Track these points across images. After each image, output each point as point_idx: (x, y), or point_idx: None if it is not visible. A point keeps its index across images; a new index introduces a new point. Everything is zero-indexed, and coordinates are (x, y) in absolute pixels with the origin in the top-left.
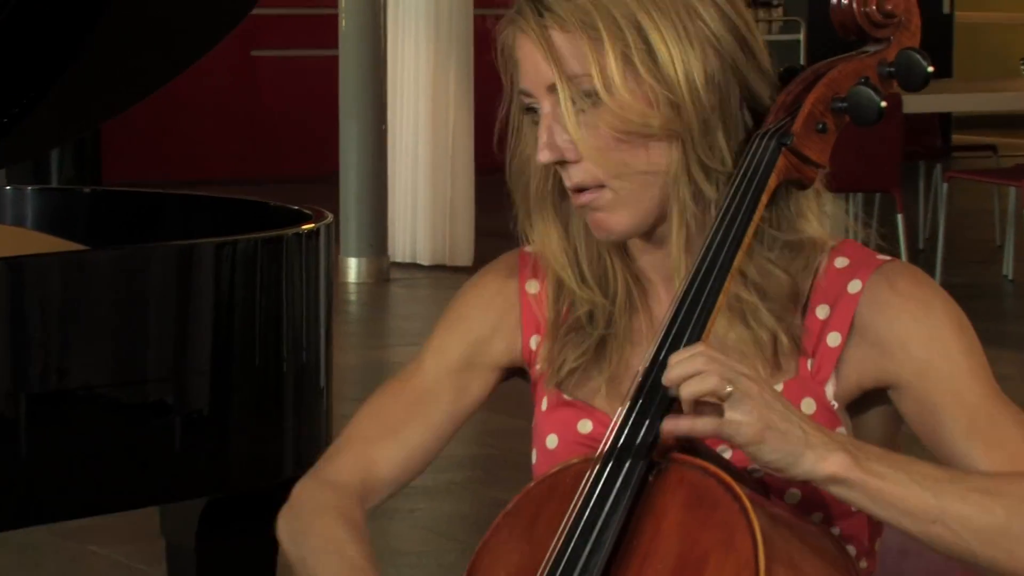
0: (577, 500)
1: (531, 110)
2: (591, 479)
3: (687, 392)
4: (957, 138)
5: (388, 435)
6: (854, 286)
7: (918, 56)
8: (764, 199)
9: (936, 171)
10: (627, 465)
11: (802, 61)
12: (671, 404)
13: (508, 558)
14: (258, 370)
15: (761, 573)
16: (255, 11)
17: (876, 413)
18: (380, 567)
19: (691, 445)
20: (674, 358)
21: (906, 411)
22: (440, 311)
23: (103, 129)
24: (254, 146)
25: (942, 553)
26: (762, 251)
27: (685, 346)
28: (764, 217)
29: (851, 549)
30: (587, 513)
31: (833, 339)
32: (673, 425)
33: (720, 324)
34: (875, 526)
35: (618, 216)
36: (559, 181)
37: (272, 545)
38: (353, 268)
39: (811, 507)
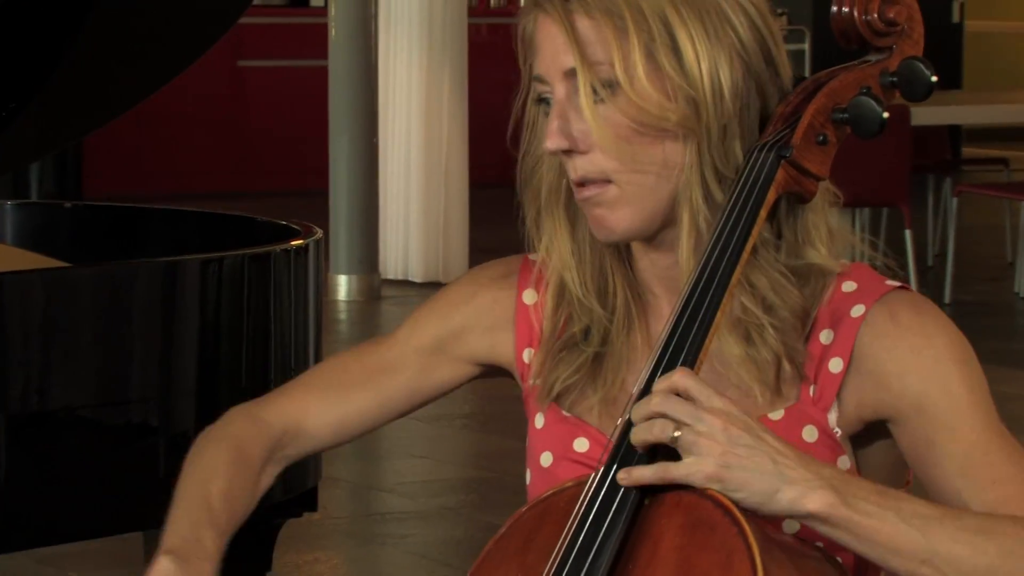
0: (571, 525)
1: (543, 101)
2: (585, 503)
3: (636, 440)
4: (967, 151)
5: (334, 392)
6: (857, 311)
7: (921, 65)
8: (763, 213)
9: (946, 185)
10: (622, 488)
11: (807, 71)
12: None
13: None
14: (245, 391)
15: None
16: (242, 20)
17: (882, 446)
18: (241, 512)
19: None
20: (635, 411)
21: (903, 445)
22: None
23: (85, 142)
24: (241, 159)
25: None
26: (774, 264)
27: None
28: (768, 232)
29: None
30: (581, 538)
31: (835, 365)
32: (626, 476)
33: (725, 340)
34: None
35: (620, 215)
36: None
37: (263, 572)
38: (343, 285)
39: (812, 533)
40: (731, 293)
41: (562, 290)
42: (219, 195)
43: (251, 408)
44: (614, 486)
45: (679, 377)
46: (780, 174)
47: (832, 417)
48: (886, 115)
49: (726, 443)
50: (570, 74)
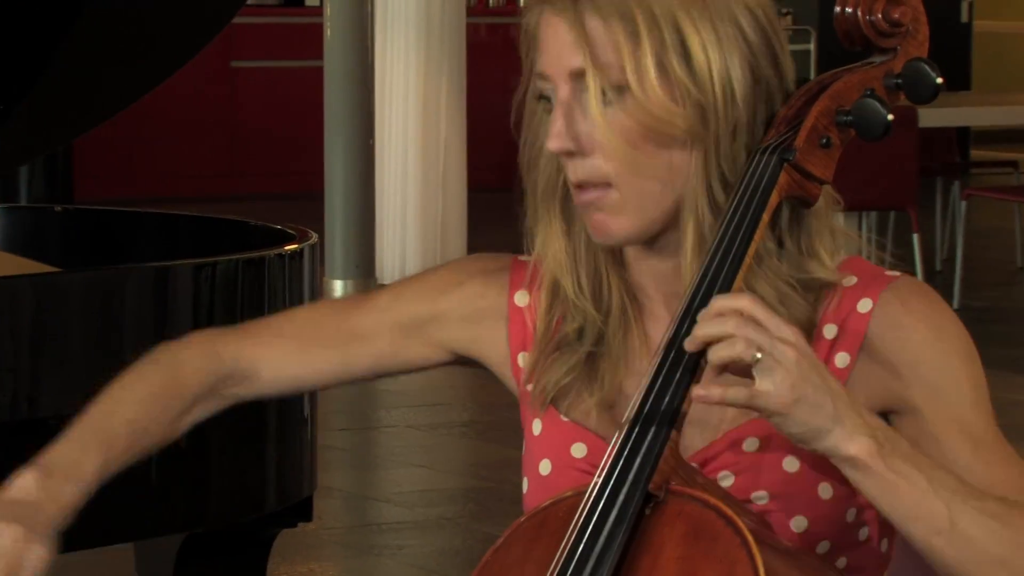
0: (570, 535)
1: (544, 98)
2: (584, 513)
3: (714, 357)
4: (976, 153)
5: (300, 345)
6: (864, 305)
7: (926, 67)
8: (766, 217)
9: (954, 188)
10: (623, 498)
11: (812, 72)
12: (668, 438)
13: None
14: None
15: None
16: (235, 20)
17: None
18: (146, 443)
19: (690, 476)
20: (704, 315)
21: (906, 437)
22: None
23: (75, 144)
24: (234, 162)
25: (936, 565)
26: (780, 274)
27: (680, 377)
28: (772, 242)
29: None
30: (581, 548)
31: (842, 360)
32: (704, 392)
33: None
34: (883, 556)
35: (620, 220)
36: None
37: None
38: (339, 290)
39: (817, 536)
40: None
41: (556, 289)
42: (212, 198)
43: (213, 337)
44: (615, 495)
45: (747, 303)
46: (783, 177)
47: None
48: (890, 117)
49: (798, 376)
50: (576, 74)
